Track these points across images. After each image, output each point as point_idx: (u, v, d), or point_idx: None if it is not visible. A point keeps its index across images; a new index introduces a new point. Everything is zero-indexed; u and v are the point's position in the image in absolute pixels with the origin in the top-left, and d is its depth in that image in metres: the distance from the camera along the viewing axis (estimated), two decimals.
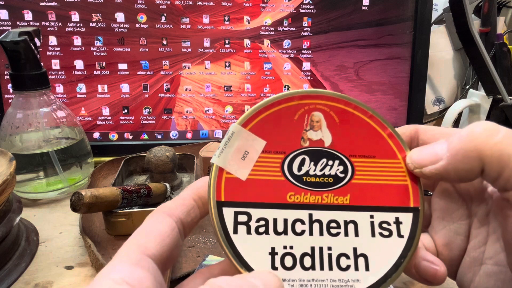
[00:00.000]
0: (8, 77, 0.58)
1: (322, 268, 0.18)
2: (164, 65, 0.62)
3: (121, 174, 0.50)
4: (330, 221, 0.19)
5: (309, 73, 0.66)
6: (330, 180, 0.19)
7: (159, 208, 0.19)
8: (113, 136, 0.63)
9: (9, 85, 0.58)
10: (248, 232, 0.18)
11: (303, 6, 0.63)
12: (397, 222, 0.19)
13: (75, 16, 0.59)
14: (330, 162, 0.19)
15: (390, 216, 0.19)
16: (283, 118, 0.19)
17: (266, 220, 0.18)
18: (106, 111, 0.62)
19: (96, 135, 0.63)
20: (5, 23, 0.58)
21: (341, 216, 0.19)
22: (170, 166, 0.47)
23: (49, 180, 0.50)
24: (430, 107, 0.79)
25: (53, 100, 0.51)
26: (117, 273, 0.15)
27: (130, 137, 0.64)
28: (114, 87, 0.62)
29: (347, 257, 0.18)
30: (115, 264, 0.16)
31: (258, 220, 0.18)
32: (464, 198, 0.22)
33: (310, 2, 0.63)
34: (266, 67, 0.65)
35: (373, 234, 0.19)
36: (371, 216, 0.19)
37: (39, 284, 0.36)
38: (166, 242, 0.17)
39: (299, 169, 0.19)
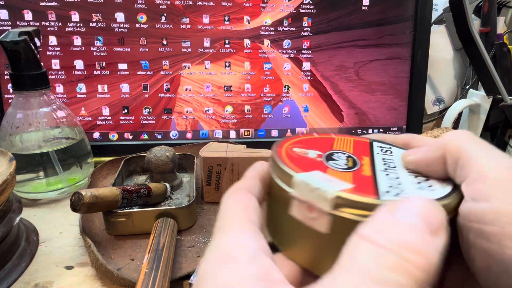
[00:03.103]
0: (8, 77, 0.58)
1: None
2: (164, 65, 0.62)
3: (121, 174, 0.50)
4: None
5: (309, 73, 0.66)
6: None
7: (239, 186, 0.19)
8: (113, 136, 0.63)
9: (9, 85, 0.58)
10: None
11: (303, 6, 0.63)
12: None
13: (75, 16, 0.59)
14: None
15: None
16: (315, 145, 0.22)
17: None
18: (106, 111, 0.62)
19: (96, 135, 0.63)
20: (5, 23, 0.58)
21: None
22: (170, 166, 0.47)
23: (49, 180, 0.50)
24: (430, 107, 0.78)
25: (53, 100, 0.51)
26: (252, 242, 0.15)
27: (130, 137, 0.64)
28: (114, 87, 0.62)
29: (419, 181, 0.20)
30: (242, 233, 0.15)
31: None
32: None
33: (310, 2, 0.63)
34: (266, 67, 0.65)
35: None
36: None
37: (39, 284, 0.36)
38: (260, 214, 0.18)
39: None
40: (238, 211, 0.17)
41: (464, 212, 0.17)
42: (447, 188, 0.18)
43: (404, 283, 0.12)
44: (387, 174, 0.19)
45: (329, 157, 0.21)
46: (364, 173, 0.19)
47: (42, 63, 0.48)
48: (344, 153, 0.22)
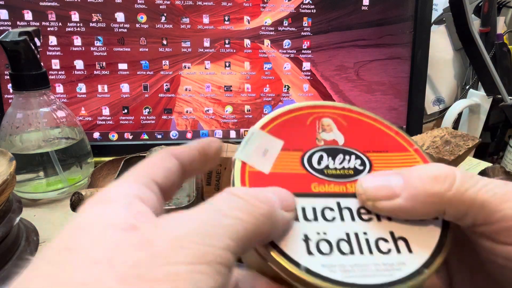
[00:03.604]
0: (8, 77, 0.58)
1: (361, 252, 0.17)
2: (164, 65, 0.62)
3: (121, 174, 0.50)
4: (359, 208, 0.18)
5: (309, 73, 0.66)
6: (351, 172, 0.20)
7: (167, 148, 0.19)
8: (113, 136, 0.63)
9: (9, 85, 0.58)
10: None
11: (303, 6, 0.63)
12: None
13: (75, 16, 0.59)
14: (347, 157, 0.20)
15: None
16: (296, 124, 0.21)
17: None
18: (106, 111, 0.62)
19: (96, 135, 0.63)
20: (5, 23, 0.58)
21: None
22: None
23: (49, 180, 0.50)
24: (430, 107, 0.78)
25: (53, 100, 0.51)
26: (130, 189, 0.16)
27: (130, 137, 0.64)
28: (114, 87, 0.62)
29: (386, 240, 0.17)
30: (128, 181, 0.17)
31: None
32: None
33: (310, 2, 0.63)
34: (266, 67, 0.65)
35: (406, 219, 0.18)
36: None
37: None
38: (170, 178, 0.18)
39: (319, 163, 0.20)
40: (142, 168, 0.18)
41: (503, 254, 0.17)
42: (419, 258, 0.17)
43: (246, 219, 0.14)
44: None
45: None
46: None
47: (42, 63, 0.48)
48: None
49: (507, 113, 0.65)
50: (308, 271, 0.16)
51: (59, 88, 0.61)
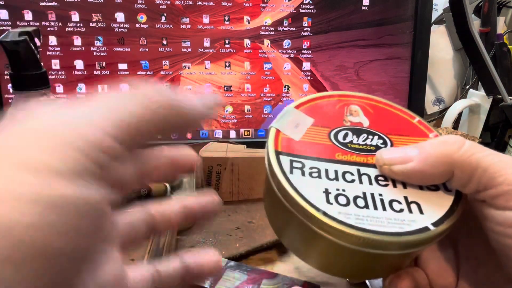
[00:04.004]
0: (8, 77, 0.58)
1: (376, 208, 0.19)
2: (164, 65, 0.62)
3: None
4: (377, 176, 0.20)
5: (309, 73, 0.66)
6: (373, 148, 0.22)
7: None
8: None
9: (9, 85, 0.58)
10: (303, 174, 0.19)
11: (303, 6, 0.63)
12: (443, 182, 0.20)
13: (75, 16, 0.59)
14: (370, 137, 0.22)
15: None
16: (326, 107, 0.23)
17: (318, 169, 0.20)
18: None
19: None
20: (5, 23, 0.58)
21: None
22: None
23: None
24: (430, 107, 0.79)
25: (53, 100, 0.51)
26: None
27: None
28: (114, 87, 0.62)
29: (399, 202, 0.19)
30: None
31: (311, 168, 0.20)
32: None
33: (310, 2, 0.63)
34: (266, 67, 0.65)
35: (421, 188, 0.20)
36: None
37: None
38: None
39: (344, 139, 0.22)
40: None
41: (501, 221, 0.17)
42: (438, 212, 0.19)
43: (129, 103, 0.14)
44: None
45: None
46: None
47: (42, 63, 0.48)
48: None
49: (507, 113, 0.65)
50: (326, 214, 0.18)
51: (59, 88, 0.61)
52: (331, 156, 0.21)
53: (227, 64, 0.64)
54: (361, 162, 0.21)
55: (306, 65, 0.66)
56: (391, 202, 0.19)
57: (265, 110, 0.66)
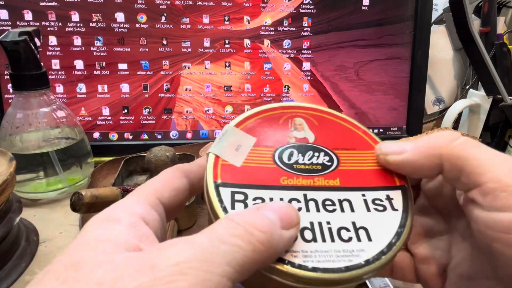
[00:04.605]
0: (8, 77, 0.58)
1: (324, 240, 0.18)
2: (164, 65, 0.62)
3: (121, 174, 0.50)
4: (325, 200, 0.19)
5: (309, 73, 0.66)
6: (319, 167, 0.21)
7: (178, 166, 0.21)
8: (113, 136, 0.63)
9: (9, 85, 0.58)
10: (245, 207, 0.18)
11: (303, 6, 0.63)
12: (389, 198, 0.20)
13: (75, 16, 0.59)
14: (316, 154, 0.21)
15: (380, 194, 0.20)
16: (269, 122, 0.22)
17: (262, 199, 0.19)
18: (106, 111, 0.62)
19: (96, 135, 0.63)
20: (5, 23, 0.58)
21: (334, 195, 0.20)
22: (170, 166, 0.47)
23: (49, 180, 0.50)
24: (430, 107, 0.78)
25: (53, 100, 0.51)
26: (135, 208, 0.17)
27: (130, 137, 0.64)
28: (114, 87, 0.62)
29: (347, 229, 0.18)
30: (135, 201, 0.18)
31: (254, 199, 0.19)
32: (442, 214, 0.22)
33: (310, 2, 0.63)
34: (266, 67, 0.65)
35: (368, 209, 0.19)
36: (363, 195, 0.20)
37: None
38: (177, 198, 0.19)
39: (289, 159, 0.21)
40: (150, 186, 0.19)
41: (485, 222, 0.17)
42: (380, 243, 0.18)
43: (244, 247, 0.14)
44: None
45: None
46: None
47: (42, 63, 0.48)
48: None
49: (507, 113, 0.65)
50: None
51: (59, 88, 0.61)
52: (275, 181, 0.19)
53: (227, 64, 0.64)
54: (308, 186, 0.20)
55: (306, 65, 0.65)
56: (339, 230, 0.18)
57: None
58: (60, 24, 0.59)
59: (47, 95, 0.50)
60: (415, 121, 0.68)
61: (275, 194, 0.19)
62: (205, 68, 0.63)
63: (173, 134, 0.65)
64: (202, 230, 0.15)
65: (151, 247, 0.15)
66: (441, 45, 0.76)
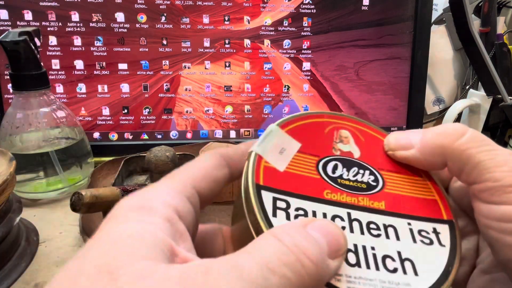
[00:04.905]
0: (8, 77, 0.58)
1: (368, 267, 0.17)
2: (164, 65, 0.62)
3: (121, 174, 0.50)
4: (369, 222, 0.18)
5: (309, 73, 0.66)
6: (363, 186, 0.20)
7: (222, 153, 0.19)
8: (113, 136, 0.63)
9: (9, 85, 0.58)
10: (288, 218, 0.17)
11: (303, 6, 0.63)
12: (435, 232, 0.19)
13: (75, 16, 0.59)
14: (361, 171, 0.20)
15: (427, 226, 0.19)
16: (314, 129, 0.21)
17: (305, 211, 0.18)
18: (106, 111, 0.62)
19: (96, 135, 0.63)
20: (5, 23, 0.58)
21: (379, 219, 0.19)
22: (170, 166, 0.47)
23: (49, 180, 0.50)
24: (430, 107, 0.78)
25: (53, 100, 0.51)
26: (172, 198, 0.16)
27: (130, 137, 0.64)
28: (114, 87, 0.62)
29: (393, 259, 0.17)
30: (171, 189, 0.16)
31: (297, 209, 0.17)
32: (469, 214, 0.22)
33: (310, 2, 0.63)
34: (266, 67, 0.65)
35: (414, 240, 0.18)
36: (409, 224, 0.19)
37: (39, 284, 0.36)
38: (215, 190, 0.18)
39: (333, 172, 0.20)
40: (189, 173, 0.18)
41: (482, 212, 0.18)
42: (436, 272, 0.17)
43: (293, 280, 0.13)
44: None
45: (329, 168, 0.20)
46: None
47: (42, 63, 0.48)
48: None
49: (507, 113, 0.65)
50: None
51: (59, 88, 0.61)
52: (319, 194, 0.18)
53: (227, 64, 0.64)
54: (352, 204, 0.19)
55: (306, 65, 0.65)
56: (384, 258, 0.17)
57: (265, 110, 0.66)
58: (60, 24, 0.59)
59: (47, 95, 0.50)
60: (415, 121, 0.68)
61: (318, 208, 0.18)
62: (205, 68, 0.63)
63: (173, 134, 0.65)
64: (247, 248, 0.14)
65: (195, 268, 0.13)
66: (441, 45, 0.76)
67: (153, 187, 0.17)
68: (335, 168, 0.20)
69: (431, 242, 0.19)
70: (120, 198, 0.40)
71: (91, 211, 0.39)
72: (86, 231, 0.40)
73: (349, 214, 0.18)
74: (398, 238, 0.18)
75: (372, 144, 0.21)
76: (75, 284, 0.12)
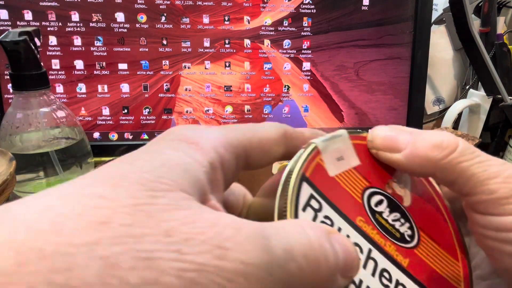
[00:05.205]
0: (8, 77, 0.58)
1: None
2: (164, 65, 0.62)
3: None
4: (384, 269, 0.18)
5: (309, 73, 0.66)
6: (398, 234, 0.19)
7: (287, 130, 0.19)
8: (113, 136, 0.63)
9: (9, 85, 0.58)
10: (314, 219, 0.17)
11: (303, 6, 0.63)
12: None
13: (75, 16, 0.59)
14: (402, 220, 0.19)
15: None
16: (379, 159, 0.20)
17: (332, 222, 0.17)
18: (106, 111, 0.62)
19: (96, 135, 0.63)
20: (5, 23, 0.58)
21: (395, 273, 0.18)
22: None
23: (49, 180, 0.50)
24: (430, 107, 0.79)
25: (53, 100, 0.51)
26: (221, 147, 0.16)
27: (130, 137, 0.64)
28: (114, 87, 0.62)
29: None
30: (223, 139, 0.16)
31: (325, 217, 0.17)
32: (461, 217, 0.22)
33: (310, 2, 0.63)
34: (266, 67, 0.65)
35: None
36: None
37: None
38: (263, 161, 0.18)
39: (376, 206, 0.19)
40: (246, 132, 0.17)
41: (480, 223, 0.18)
42: None
43: (307, 275, 0.13)
44: None
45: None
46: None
47: (42, 63, 0.48)
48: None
49: (507, 113, 0.65)
50: None
51: (59, 88, 0.61)
52: (353, 216, 0.18)
53: (227, 64, 0.64)
54: (377, 243, 0.18)
55: (306, 65, 0.66)
56: None
57: (265, 110, 0.66)
58: (60, 24, 0.59)
59: (47, 95, 0.50)
60: (415, 121, 0.68)
61: (345, 227, 0.17)
62: (205, 68, 0.63)
63: None
64: (272, 224, 0.14)
65: (228, 222, 0.13)
66: (441, 45, 0.76)
67: (209, 128, 0.16)
68: (379, 202, 0.19)
69: None
70: None
71: None
72: None
73: (370, 250, 0.18)
74: None
75: (426, 203, 0.21)
76: (119, 185, 0.12)
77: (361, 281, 0.16)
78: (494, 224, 0.17)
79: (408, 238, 0.19)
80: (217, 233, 0.12)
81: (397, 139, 0.19)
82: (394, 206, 0.19)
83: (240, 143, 0.17)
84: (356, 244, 0.17)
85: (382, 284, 0.17)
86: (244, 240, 0.12)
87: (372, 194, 0.19)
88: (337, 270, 0.14)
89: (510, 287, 0.18)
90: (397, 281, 0.18)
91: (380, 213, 0.19)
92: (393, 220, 0.19)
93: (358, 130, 0.20)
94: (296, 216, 0.16)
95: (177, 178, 0.13)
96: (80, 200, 0.12)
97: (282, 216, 0.16)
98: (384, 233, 0.18)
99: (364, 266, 0.17)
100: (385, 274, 0.17)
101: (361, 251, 0.17)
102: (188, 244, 0.12)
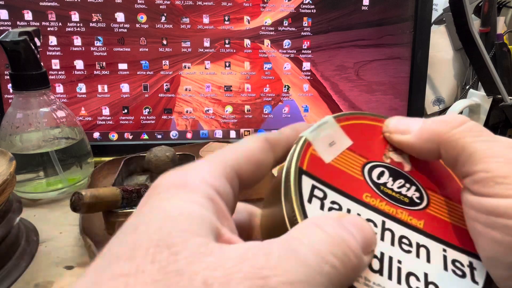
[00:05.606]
0: (8, 77, 0.58)
1: (390, 277, 0.16)
2: (164, 65, 0.62)
3: (121, 174, 0.50)
4: (402, 236, 0.18)
5: (309, 73, 0.66)
6: (406, 200, 0.19)
7: (267, 136, 0.19)
8: (113, 136, 0.63)
9: (9, 85, 0.58)
10: (322, 208, 0.17)
11: (303, 6, 0.63)
12: (471, 267, 0.18)
13: (75, 16, 0.59)
14: (408, 185, 0.19)
15: (463, 258, 0.18)
16: (370, 131, 0.20)
17: (340, 206, 0.17)
18: (106, 111, 0.62)
19: (96, 135, 0.63)
20: (5, 23, 0.58)
21: (414, 236, 0.18)
22: (170, 166, 0.47)
23: (49, 180, 0.50)
24: (430, 107, 0.78)
25: (53, 100, 0.51)
26: (211, 178, 0.15)
27: (130, 137, 0.64)
28: (114, 87, 0.62)
29: (417, 278, 0.17)
30: (210, 168, 0.16)
31: (332, 202, 0.17)
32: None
33: (310, 2, 0.63)
34: (266, 67, 0.65)
35: (445, 268, 0.17)
36: (444, 250, 0.18)
37: (39, 284, 0.36)
38: (257, 174, 0.18)
39: (378, 178, 0.19)
40: (231, 155, 0.17)
41: (473, 205, 0.17)
42: None
43: (341, 271, 0.14)
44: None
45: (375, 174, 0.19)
46: None
47: (42, 63, 0.48)
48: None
49: (507, 113, 0.65)
50: None
51: (59, 88, 0.61)
52: (358, 194, 0.18)
53: (227, 64, 0.64)
54: (389, 213, 0.18)
55: (306, 65, 0.65)
56: (408, 275, 0.16)
57: (265, 110, 0.66)
58: (60, 24, 0.59)
59: (47, 95, 0.50)
60: None
61: (353, 207, 0.18)
62: (205, 68, 0.63)
63: (173, 134, 0.65)
64: (291, 233, 0.14)
65: (255, 250, 0.13)
66: (441, 45, 0.76)
67: (193, 165, 0.16)
68: (381, 174, 0.19)
69: (463, 275, 0.18)
70: (120, 198, 0.40)
71: (91, 211, 0.39)
72: (86, 231, 0.40)
73: (383, 222, 0.18)
74: (428, 260, 0.17)
75: (426, 162, 0.21)
76: (134, 257, 0.12)
77: (382, 254, 0.17)
78: (485, 207, 0.17)
79: (417, 201, 0.19)
80: (250, 266, 0.12)
81: (408, 123, 0.20)
82: (396, 173, 0.19)
83: (227, 166, 0.16)
84: (369, 220, 0.17)
85: (404, 250, 0.17)
86: (278, 262, 0.12)
87: (372, 168, 0.19)
88: (361, 250, 0.15)
89: (494, 276, 0.17)
90: (417, 243, 0.18)
91: (384, 184, 0.19)
92: (399, 187, 0.19)
93: (341, 112, 0.20)
94: (304, 213, 0.16)
95: (185, 226, 0.13)
96: (107, 285, 0.12)
97: (293, 222, 0.16)
98: (393, 202, 0.19)
99: (382, 238, 0.17)
100: (404, 240, 0.18)
101: (375, 225, 0.17)
102: (230, 286, 0.12)
